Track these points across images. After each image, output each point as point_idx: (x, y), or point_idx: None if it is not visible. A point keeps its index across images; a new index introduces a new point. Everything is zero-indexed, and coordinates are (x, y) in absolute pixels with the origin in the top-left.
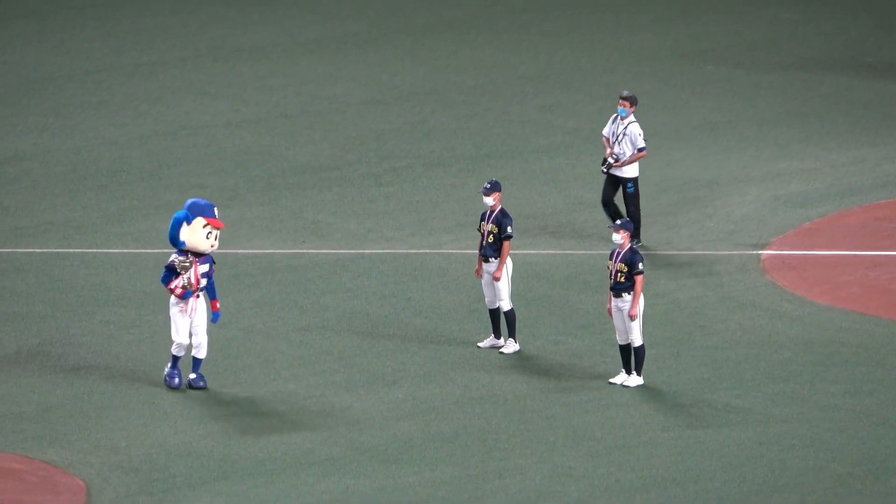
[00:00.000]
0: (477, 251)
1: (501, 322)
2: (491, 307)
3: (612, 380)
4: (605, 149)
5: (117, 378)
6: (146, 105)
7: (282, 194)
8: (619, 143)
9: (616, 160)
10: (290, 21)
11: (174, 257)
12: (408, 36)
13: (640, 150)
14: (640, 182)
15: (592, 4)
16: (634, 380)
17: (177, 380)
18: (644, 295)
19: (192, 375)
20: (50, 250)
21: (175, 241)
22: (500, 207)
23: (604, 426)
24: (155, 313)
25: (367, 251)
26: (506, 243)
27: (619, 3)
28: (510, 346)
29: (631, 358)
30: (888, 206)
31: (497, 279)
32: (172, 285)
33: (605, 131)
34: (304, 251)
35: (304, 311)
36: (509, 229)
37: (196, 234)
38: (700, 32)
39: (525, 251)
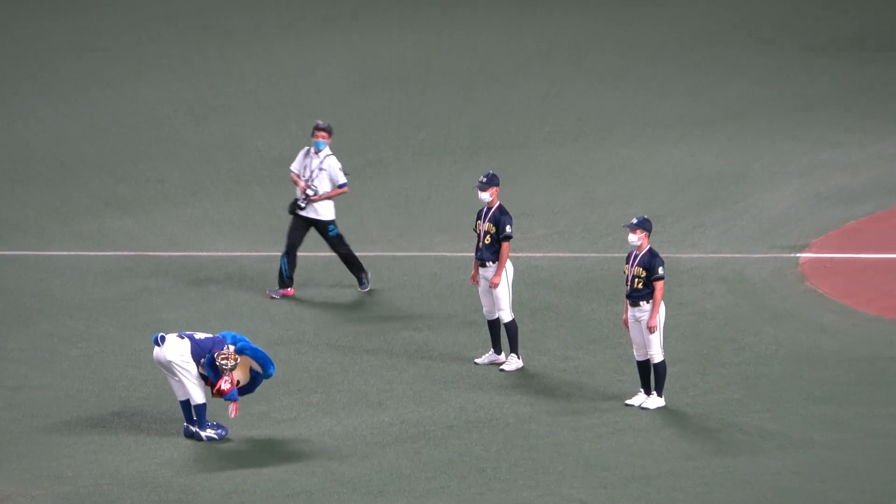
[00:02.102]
0: (473, 254)
1: (502, 335)
2: (490, 318)
3: (628, 401)
4: (296, 184)
5: (63, 399)
6: (97, 90)
7: (252, 190)
8: (314, 181)
9: (315, 193)
10: None
11: (216, 355)
12: (394, 13)
13: (340, 186)
14: (660, 177)
15: None
16: (654, 401)
17: (222, 431)
18: (665, 304)
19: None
20: None
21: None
22: (497, 204)
23: (619, 454)
24: (105, 325)
25: None
26: (505, 245)
27: None
28: (512, 363)
29: (650, 376)
30: None
31: (495, 286)
32: (224, 386)
33: (294, 167)
34: (277, 254)
35: (277, 323)
36: (508, 229)
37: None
38: (727, 6)
39: (529, 254)
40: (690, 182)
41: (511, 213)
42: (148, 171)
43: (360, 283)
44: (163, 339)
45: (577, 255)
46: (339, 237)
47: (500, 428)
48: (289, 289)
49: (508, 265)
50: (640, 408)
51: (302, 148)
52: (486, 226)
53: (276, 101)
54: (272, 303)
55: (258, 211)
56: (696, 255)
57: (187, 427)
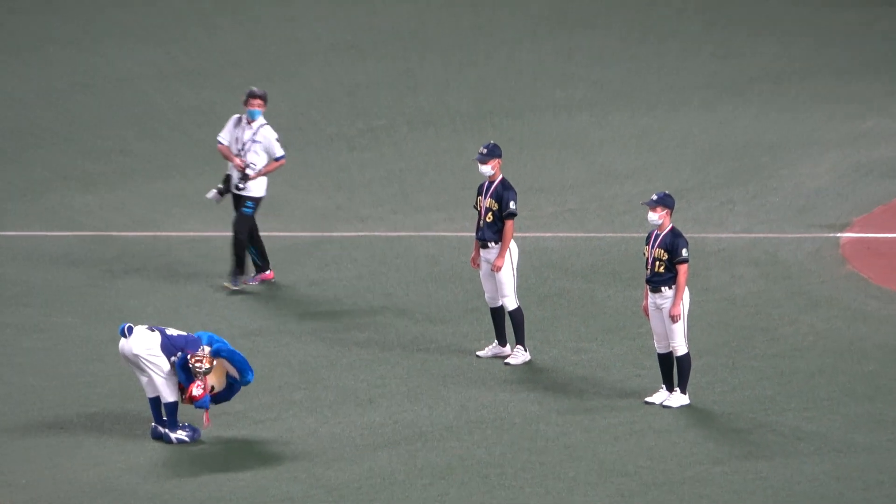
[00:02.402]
0: (474, 234)
1: (507, 325)
2: (493, 305)
3: (648, 398)
4: (229, 160)
5: (17, 396)
6: (56, 50)
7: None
8: (247, 153)
9: (254, 171)
10: None
11: (189, 356)
12: None
13: (278, 159)
14: (685, 147)
15: None
16: (677, 398)
17: (194, 433)
18: (689, 290)
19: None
20: None
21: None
22: (500, 178)
23: (638, 458)
24: (65, 313)
25: (336, 234)
26: (508, 223)
27: None
28: (518, 356)
29: (673, 371)
30: None
31: (498, 269)
32: (195, 392)
33: (224, 137)
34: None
35: (255, 312)
36: (513, 205)
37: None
38: None
39: (537, 234)
40: (718, 153)
41: (516, 189)
42: (112, 141)
43: (232, 279)
44: (130, 329)
45: (592, 235)
46: (249, 219)
47: (506, 429)
48: (267, 272)
49: (513, 246)
50: (662, 406)
51: (233, 116)
52: (487, 202)
53: (254, 62)
54: (249, 288)
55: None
56: (724, 235)
57: (155, 427)
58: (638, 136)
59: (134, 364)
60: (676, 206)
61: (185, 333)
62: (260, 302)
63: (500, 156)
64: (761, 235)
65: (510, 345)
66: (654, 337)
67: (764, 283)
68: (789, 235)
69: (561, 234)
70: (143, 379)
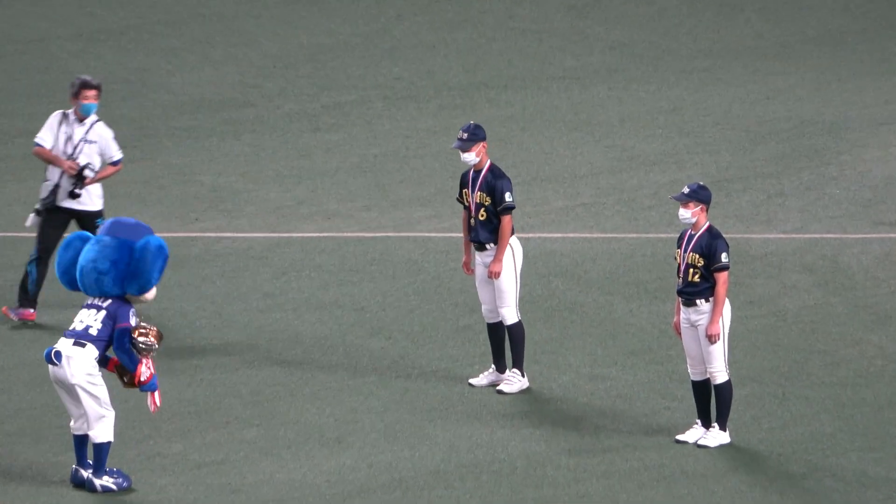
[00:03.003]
0: (463, 234)
1: (509, 345)
2: (491, 320)
3: (680, 436)
4: (54, 164)
5: None
6: None
7: (161, 144)
8: (78, 156)
9: (94, 173)
10: None
11: (134, 333)
12: None
13: (115, 163)
14: (724, 127)
15: None
16: (716, 436)
17: (123, 480)
18: (730, 303)
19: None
20: None
21: (147, 286)
22: (488, 164)
23: None
24: None
25: (296, 234)
26: (506, 219)
27: None
28: (513, 382)
29: (711, 402)
30: None
31: (496, 275)
32: (144, 374)
33: (44, 138)
34: (197, 234)
35: (197, 330)
36: (508, 196)
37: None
38: None
39: (543, 234)
40: (765, 134)
41: (511, 178)
42: (18, 117)
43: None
44: (58, 355)
45: (610, 235)
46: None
47: (505, 474)
48: (31, 310)
49: (515, 245)
50: (697, 446)
51: (54, 112)
52: (477, 196)
53: (193, 21)
54: (189, 300)
55: (171, 174)
56: (772, 236)
57: (77, 472)
58: (667, 112)
59: (68, 393)
60: (714, 201)
61: (94, 306)
62: (202, 318)
63: (484, 138)
64: (818, 236)
65: (507, 367)
66: (688, 361)
67: (821, 295)
68: (852, 236)
69: (572, 235)
70: (74, 411)
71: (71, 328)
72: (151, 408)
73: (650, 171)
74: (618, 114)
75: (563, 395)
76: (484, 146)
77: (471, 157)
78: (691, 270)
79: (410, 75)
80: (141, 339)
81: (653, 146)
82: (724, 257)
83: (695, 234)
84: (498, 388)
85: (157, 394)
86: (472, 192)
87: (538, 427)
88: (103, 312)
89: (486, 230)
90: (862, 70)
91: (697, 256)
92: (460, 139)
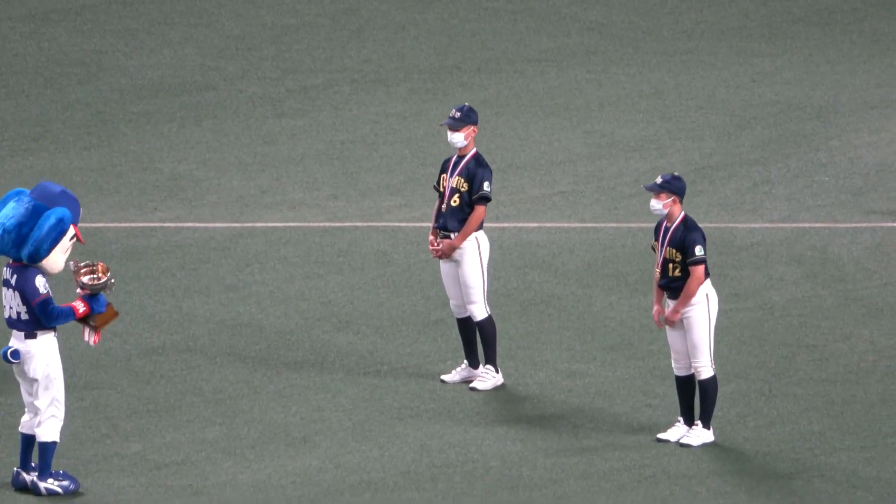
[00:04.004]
0: (432, 221)
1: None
2: (460, 315)
3: (662, 435)
4: None
5: None
6: None
7: (118, 130)
8: None
9: None
10: None
11: (83, 278)
12: None
13: None
14: (708, 111)
15: None
16: (699, 435)
17: (71, 483)
18: (717, 295)
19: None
20: None
21: (37, 255)
22: (474, 151)
23: None
24: None
25: (259, 224)
26: (479, 209)
27: None
28: (486, 379)
29: (695, 399)
30: None
31: (450, 251)
32: (79, 309)
33: None
34: (156, 224)
35: (157, 324)
36: (486, 186)
37: (61, 251)
38: None
39: (519, 224)
40: (750, 119)
41: (490, 166)
42: None
43: None
44: (16, 353)
45: (589, 225)
46: None
47: (479, 475)
48: None
49: (481, 237)
50: (680, 444)
51: None
52: (454, 180)
53: (155, 6)
54: (148, 294)
55: (127, 161)
56: (759, 225)
57: (18, 475)
58: (648, 96)
59: (29, 385)
60: (698, 188)
61: (7, 284)
62: (162, 312)
63: (476, 122)
64: (806, 225)
65: (481, 363)
66: (672, 356)
67: (810, 287)
68: (842, 225)
69: (549, 225)
70: (29, 403)
71: (6, 315)
72: (93, 340)
73: (630, 158)
74: (596, 98)
75: (540, 392)
76: (474, 130)
77: (459, 139)
78: (671, 265)
79: (379, 57)
80: (87, 278)
81: (633, 132)
82: (698, 251)
83: (670, 227)
84: (471, 385)
85: (98, 333)
86: (450, 176)
87: (513, 426)
88: (18, 294)
89: (455, 218)
90: (852, 51)
91: (674, 251)
92: (452, 117)
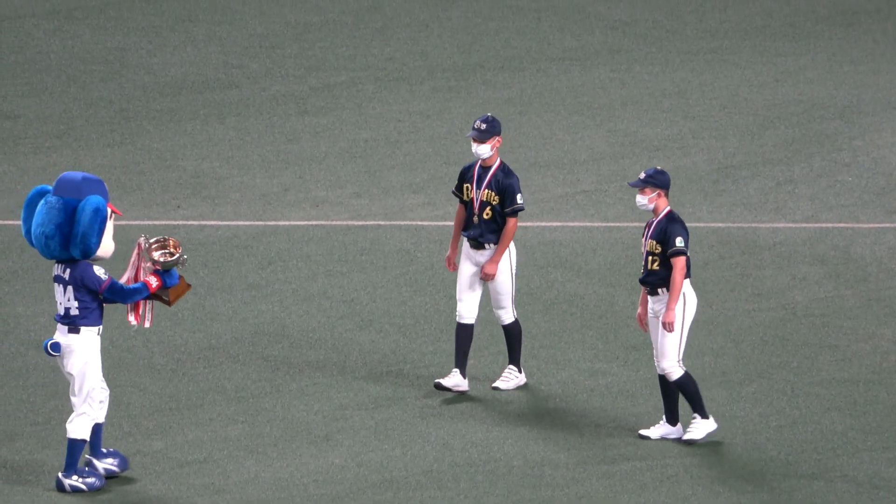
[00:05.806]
0: (454, 227)
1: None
2: (464, 321)
3: (644, 431)
4: None
5: None
6: None
7: (142, 128)
8: None
9: None
10: None
11: (154, 254)
12: None
13: None
14: (731, 110)
15: None
16: (700, 426)
17: (95, 480)
18: (738, 293)
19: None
20: None
21: (89, 250)
22: (499, 162)
23: None
24: None
25: (282, 222)
26: (512, 221)
27: None
28: (509, 378)
29: (678, 398)
30: None
31: (489, 277)
32: (153, 284)
33: None
34: (179, 222)
35: (178, 322)
36: (519, 199)
37: (108, 237)
38: None
39: (542, 223)
40: (774, 118)
41: (508, 162)
42: None
43: None
44: (56, 346)
45: (612, 224)
46: None
47: (501, 474)
48: None
49: (511, 246)
50: (684, 441)
51: None
52: (483, 194)
53: (179, 3)
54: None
55: (151, 159)
56: (781, 225)
57: (90, 462)
58: (671, 95)
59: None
60: (721, 188)
61: (60, 279)
62: (184, 309)
63: (500, 132)
64: (829, 225)
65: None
66: (655, 353)
67: (832, 287)
68: (865, 225)
69: (572, 224)
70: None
71: (57, 312)
72: (147, 322)
73: (654, 157)
74: (620, 97)
75: (562, 391)
76: (499, 141)
77: (485, 150)
78: (650, 258)
79: (402, 55)
80: (158, 254)
81: (656, 131)
82: (678, 241)
83: (654, 221)
84: (494, 384)
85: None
86: (478, 189)
87: (535, 425)
88: (70, 288)
89: (488, 229)
90: (876, 51)
91: (655, 243)
92: (477, 129)
